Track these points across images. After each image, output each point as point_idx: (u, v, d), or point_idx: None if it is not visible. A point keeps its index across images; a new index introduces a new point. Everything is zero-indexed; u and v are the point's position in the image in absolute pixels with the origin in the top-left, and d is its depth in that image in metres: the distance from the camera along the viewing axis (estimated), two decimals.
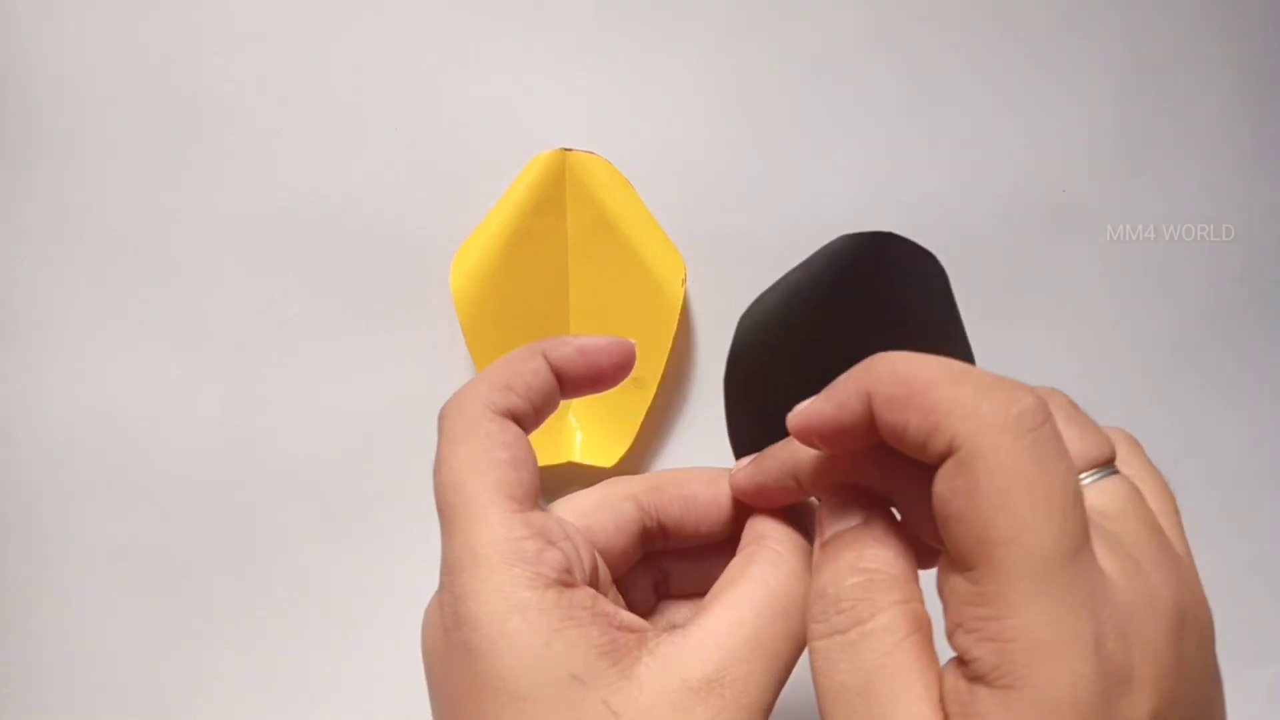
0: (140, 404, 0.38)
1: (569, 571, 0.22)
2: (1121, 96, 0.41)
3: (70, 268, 0.38)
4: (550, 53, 0.39)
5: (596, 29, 0.39)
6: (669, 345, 0.36)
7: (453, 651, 0.21)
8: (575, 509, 0.25)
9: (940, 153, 0.40)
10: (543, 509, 0.24)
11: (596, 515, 0.25)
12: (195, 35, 0.38)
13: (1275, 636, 0.42)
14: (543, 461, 0.33)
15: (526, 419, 0.25)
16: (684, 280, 0.36)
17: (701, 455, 0.39)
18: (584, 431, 0.38)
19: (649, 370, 0.37)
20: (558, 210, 0.37)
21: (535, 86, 0.39)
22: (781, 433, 0.24)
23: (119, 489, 0.38)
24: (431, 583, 0.36)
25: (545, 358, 0.25)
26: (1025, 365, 0.41)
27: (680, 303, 0.36)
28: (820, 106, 0.40)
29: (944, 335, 0.26)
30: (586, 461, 0.37)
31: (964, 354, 0.26)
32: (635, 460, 0.38)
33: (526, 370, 0.25)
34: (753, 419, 0.27)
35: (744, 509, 0.26)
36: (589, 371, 0.26)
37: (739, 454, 0.27)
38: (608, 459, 0.37)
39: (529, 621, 0.21)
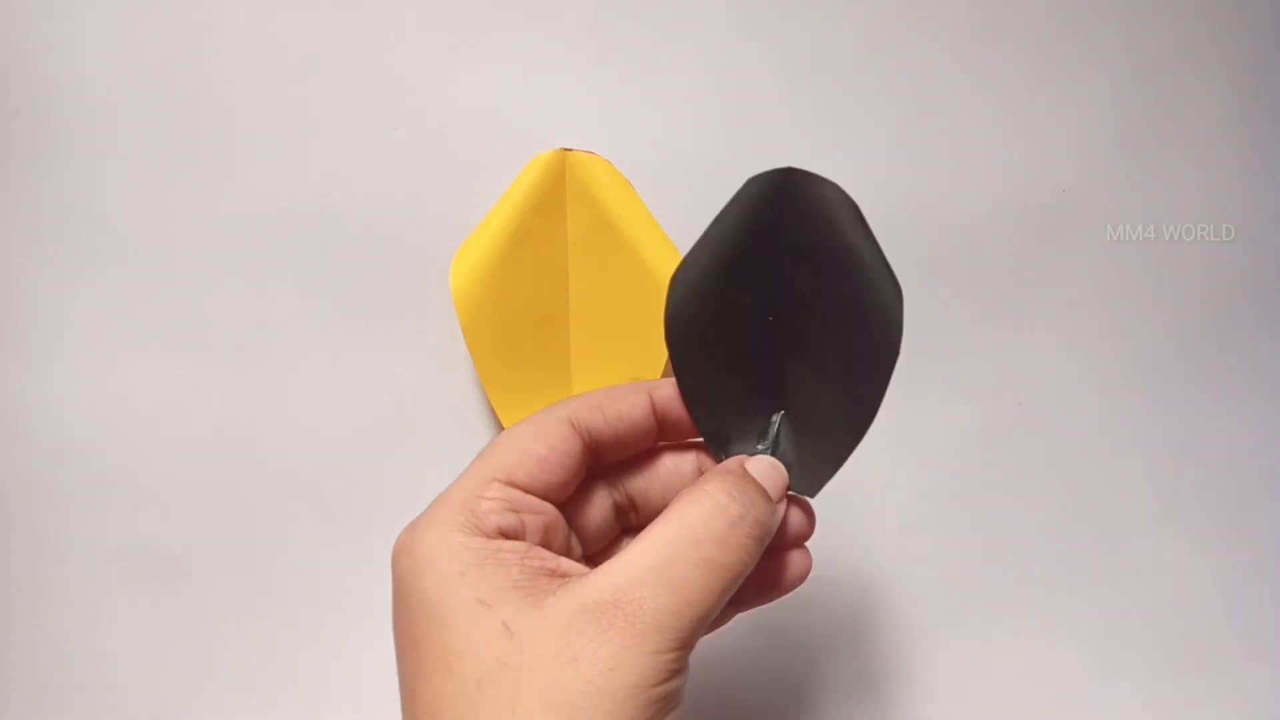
0: (140, 404, 0.38)
1: (516, 530, 0.25)
2: (1121, 97, 0.41)
3: (70, 268, 0.38)
4: (550, 52, 0.39)
5: (596, 29, 0.39)
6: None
7: (395, 578, 0.24)
8: (519, 445, 0.26)
9: (940, 153, 0.40)
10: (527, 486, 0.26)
11: (538, 446, 0.26)
12: (195, 35, 0.38)
13: (1275, 636, 0.42)
14: None
15: (602, 440, 0.27)
16: None
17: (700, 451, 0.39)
18: None
19: (649, 370, 0.37)
20: (558, 210, 0.37)
21: (535, 86, 0.39)
22: (729, 380, 0.29)
23: (119, 489, 0.38)
24: None
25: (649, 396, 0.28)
26: (1025, 365, 0.41)
27: None
28: (820, 106, 0.40)
29: (860, 262, 0.28)
30: None
31: (884, 270, 0.28)
32: None
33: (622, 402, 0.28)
34: (703, 369, 0.29)
35: (667, 421, 0.28)
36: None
37: (691, 406, 0.29)
38: None
39: (452, 554, 0.23)
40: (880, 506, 0.40)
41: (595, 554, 0.29)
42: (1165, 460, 0.42)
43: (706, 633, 0.28)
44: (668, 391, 0.28)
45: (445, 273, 0.37)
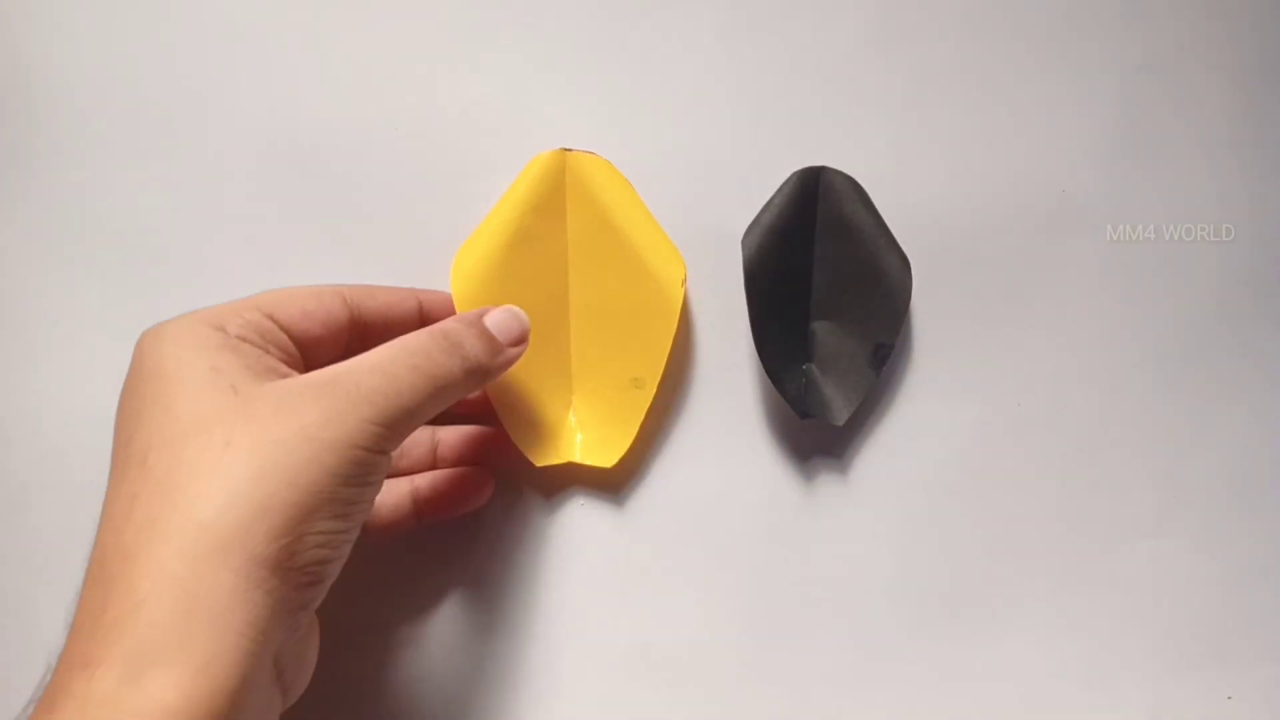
0: None
1: (257, 336, 0.27)
2: (1122, 96, 0.41)
3: (70, 267, 0.38)
4: (550, 52, 0.39)
5: (597, 27, 0.39)
6: (669, 345, 0.36)
7: (134, 356, 0.26)
8: (289, 294, 0.30)
9: (940, 152, 0.40)
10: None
11: (306, 301, 0.30)
12: (195, 36, 0.38)
13: (1275, 636, 0.42)
14: (543, 461, 0.37)
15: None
16: (684, 281, 0.36)
17: (703, 452, 0.39)
18: (584, 431, 0.37)
19: (649, 370, 0.37)
20: (558, 211, 0.37)
21: (535, 86, 0.39)
22: (788, 332, 0.38)
23: None
24: (431, 582, 0.36)
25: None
26: (1026, 365, 0.41)
27: (680, 303, 0.36)
28: (820, 106, 0.40)
29: (872, 235, 0.38)
30: (587, 461, 0.37)
31: (891, 242, 0.38)
32: (635, 460, 0.38)
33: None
34: (769, 321, 0.37)
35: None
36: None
37: (762, 353, 0.37)
38: (608, 459, 0.37)
39: (195, 337, 0.26)
40: (879, 506, 0.40)
41: None
42: (1165, 460, 0.42)
43: (394, 534, 0.35)
44: (438, 300, 0.34)
45: (444, 273, 0.37)
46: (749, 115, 0.40)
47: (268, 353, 0.27)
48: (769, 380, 0.37)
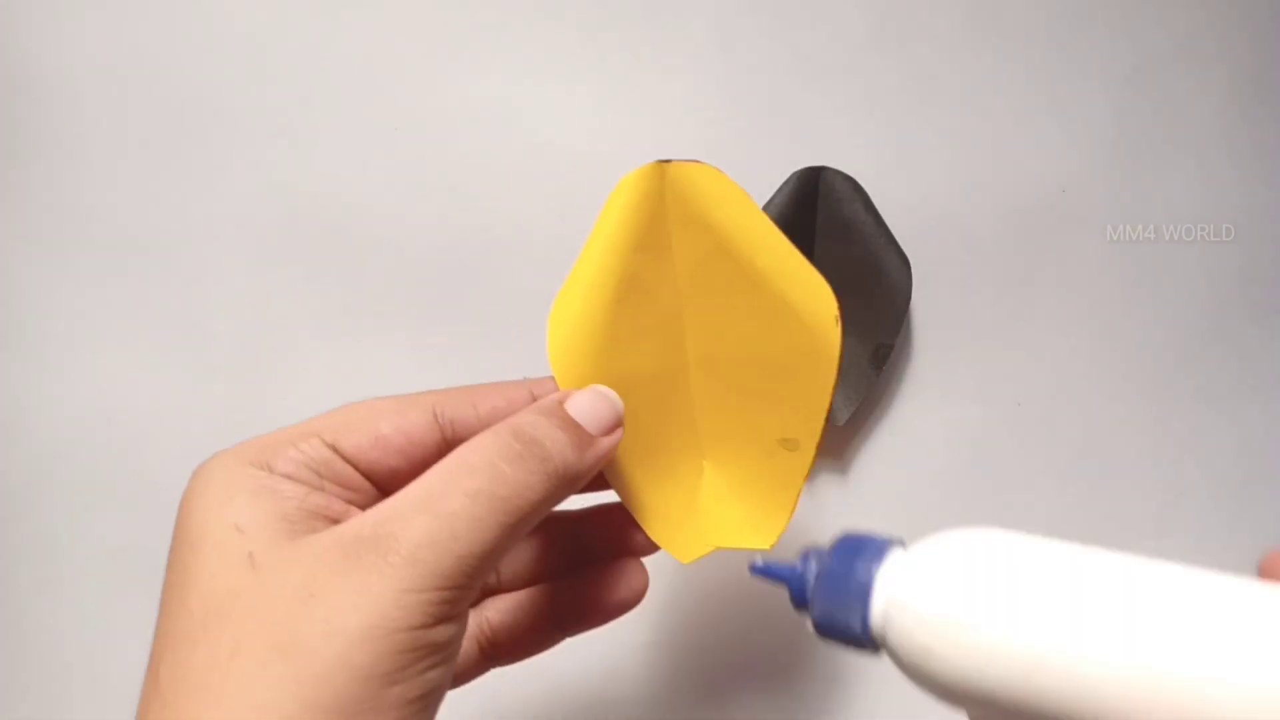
0: (140, 404, 0.38)
1: (310, 473, 0.22)
2: (1121, 97, 0.41)
3: (71, 268, 0.38)
4: (551, 51, 0.39)
5: (598, 26, 0.39)
6: (828, 397, 0.28)
7: (180, 507, 0.23)
8: (364, 415, 0.24)
9: (940, 153, 0.40)
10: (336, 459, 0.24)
11: (382, 423, 0.24)
12: (197, 36, 0.38)
13: None
14: (690, 557, 0.28)
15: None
16: (838, 318, 0.27)
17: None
18: (727, 507, 0.30)
19: (804, 428, 0.28)
20: (662, 242, 0.28)
21: (534, 85, 0.39)
22: None
23: (119, 489, 0.38)
24: None
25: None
26: (1026, 365, 0.41)
27: (839, 345, 0.27)
28: (820, 108, 0.40)
29: (876, 239, 0.38)
30: (739, 545, 0.29)
31: (890, 242, 0.38)
32: (790, 536, 0.30)
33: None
34: None
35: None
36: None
37: None
38: (764, 538, 0.29)
39: (229, 480, 0.22)
40: (880, 506, 0.40)
41: None
42: (1165, 460, 0.42)
43: (525, 654, 0.27)
44: (550, 389, 0.26)
45: (443, 273, 0.37)
46: (749, 115, 0.40)
47: (320, 490, 0.22)
48: None
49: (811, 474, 0.28)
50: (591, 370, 0.26)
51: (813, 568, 0.22)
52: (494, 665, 0.27)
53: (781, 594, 0.23)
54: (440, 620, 0.20)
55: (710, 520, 0.29)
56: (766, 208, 0.37)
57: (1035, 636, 0.17)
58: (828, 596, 0.21)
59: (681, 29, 0.39)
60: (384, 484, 0.24)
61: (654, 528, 0.27)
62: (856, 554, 0.21)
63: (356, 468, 0.23)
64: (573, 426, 0.24)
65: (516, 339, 0.39)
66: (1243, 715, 0.14)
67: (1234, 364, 0.42)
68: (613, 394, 0.26)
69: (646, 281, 0.28)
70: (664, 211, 0.28)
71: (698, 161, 0.28)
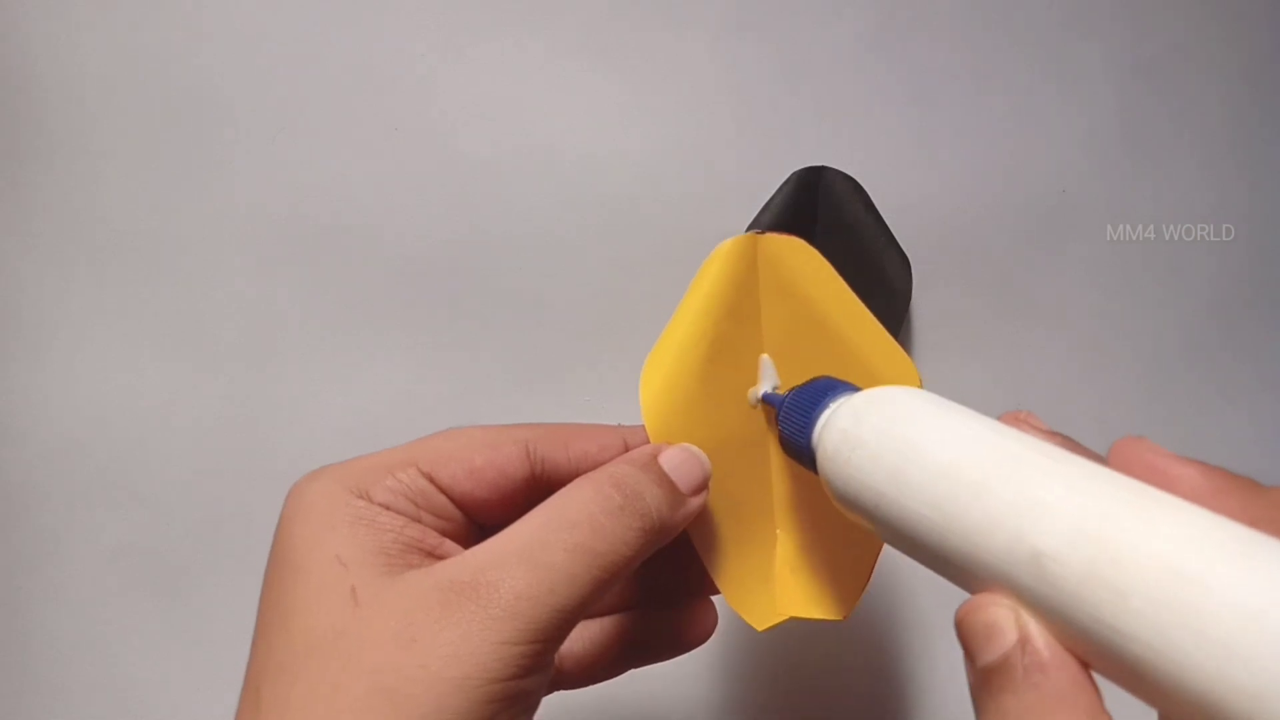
0: (140, 404, 0.38)
1: (407, 502, 0.23)
2: (1121, 96, 0.41)
3: (71, 268, 0.38)
4: (551, 51, 0.39)
5: (597, 28, 0.39)
6: None
7: (279, 519, 0.23)
8: (459, 445, 0.25)
9: (941, 153, 0.40)
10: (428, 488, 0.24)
11: (476, 455, 0.24)
12: (197, 36, 0.38)
13: None
14: (765, 625, 0.29)
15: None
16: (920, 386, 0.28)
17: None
18: (803, 578, 0.30)
19: None
20: (751, 311, 0.29)
21: (534, 85, 0.39)
22: None
23: (119, 489, 0.38)
24: None
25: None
26: (1026, 365, 0.41)
27: None
28: (820, 106, 0.40)
29: (872, 234, 0.38)
30: (815, 616, 0.29)
31: (891, 241, 0.38)
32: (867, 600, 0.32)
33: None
34: None
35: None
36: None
37: None
38: (838, 610, 0.29)
39: (331, 507, 0.22)
40: None
41: None
42: None
43: (590, 681, 0.28)
44: (642, 439, 0.27)
45: (443, 273, 0.37)
46: (749, 115, 0.40)
47: (417, 521, 0.23)
48: None
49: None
50: (681, 428, 0.27)
51: (788, 399, 0.26)
52: (558, 689, 0.28)
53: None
54: (531, 671, 0.20)
55: (784, 588, 0.30)
56: (767, 207, 0.37)
57: (899, 476, 0.20)
58: (789, 418, 0.25)
59: (682, 29, 0.39)
60: (474, 513, 0.25)
61: (730, 591, 0.28)
62: (818, 390, 0.25)
63: (450, 497, 0.24)
64: (668, 482, 0.24)
65: (516, 339, 0.39)
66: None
67: (1234, 364, 0.42)
68: (702, 454, 0.26)
69: (735, 347, 0.29)
70: (755, 280, 0.29)
71: (790, 235, 0.29)
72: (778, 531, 0.30)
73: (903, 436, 0.21)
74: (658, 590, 0.29)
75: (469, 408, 0.39)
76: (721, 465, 0.27)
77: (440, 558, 0.22)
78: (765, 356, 0.29)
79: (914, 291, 0.38)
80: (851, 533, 0.28)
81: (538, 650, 0.20)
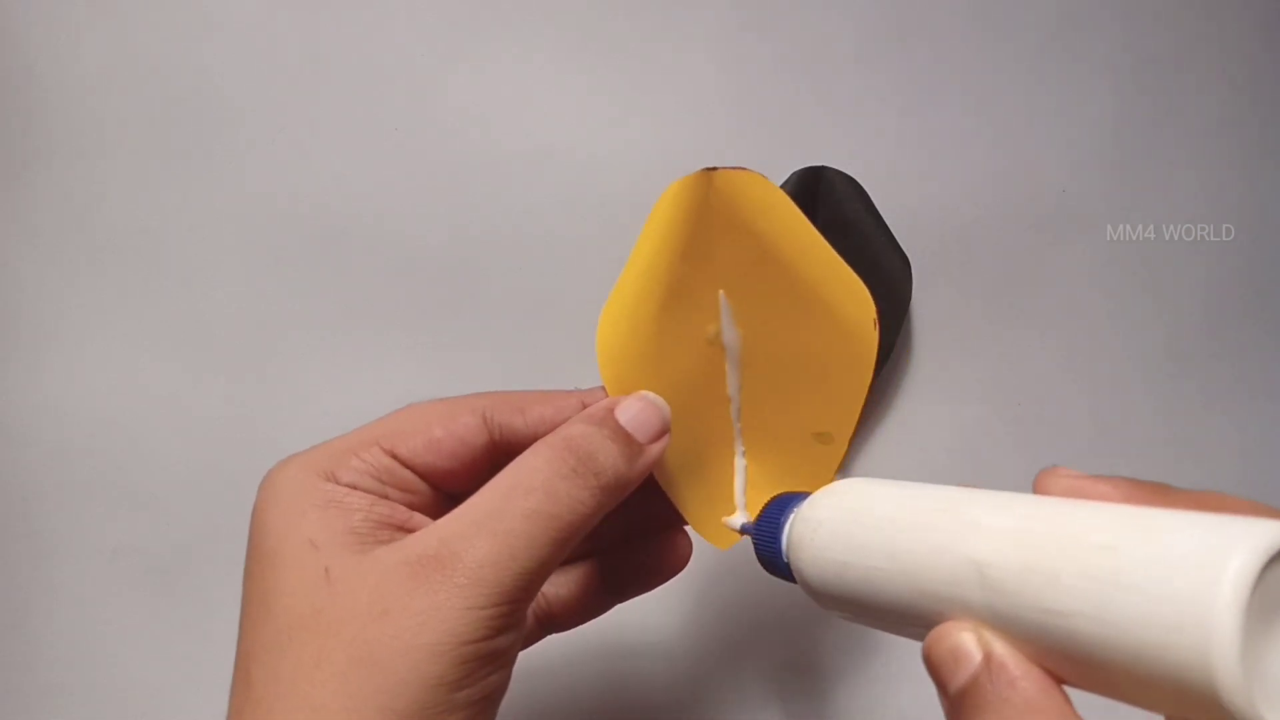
0: (141, 404, 0.38)
1: (374, 480, 0.24)
2: (1121, 97, 0.41)
3: (72, 268, 0.38)
4: (551, 52, 0.39)
5: (596, 28, 0.39)
6: (862, 396, 0.29)
7: (253, 508, 0.24)
8: (417, 419, 0.26)
9: (941, 153, 0.40)
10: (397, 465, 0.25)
11: (435, 427, 0.25)
12: (197, 37, 0.38)
13: None
14: (727, 544, 0.30)
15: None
16: (875, 321, 0.28)
17: None
18: (765, 498, 0.31)
19: (838, 424, 0.30)
20: (705, 249, 0.29)
21: (533, 86, 0.39)
22: None
23: (119, 489, 0.38)
24: None
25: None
26: (1026, 365, 0.41)
27: (875, 346, 0.28)
28: (820, 108, 0.40)
29: (872, 234, 0.38)
30: None
31: (891, 241, 0.38)
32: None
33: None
34: None
35: None
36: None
37: None
38: None
39: (301, 492, 0.23)
40: None
41: None
42: (1164, 459, 0.42)
43: (580, 621, 0.29)
44: (599, 399, 0.27)
45: (443, 272, 0.37)
46: (749, 115, 0.40)
47: (385, 498, 0.24)
48: None
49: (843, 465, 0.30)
50: (639, 377, 0.27)
51: (755, 524, 0.28)
52: (550, 632, 0.29)
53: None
54: (502, 631, 0.22)
55: (744, 510, 0.32)
56: None
57: (858, 555, 0.22)
58: (761, 539, 0.27)
59: (682, 29, 0.39)
60: (439, 483, 0.25)
61: (694, 518, 0.29)
62: (776, 508, 0.26)
63: (414, 470, 0.25)
64: (623, 436, 0.25)
65: (516, 338, 0.39)
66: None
67: (1234, 363, 0.42)
68: (660, 400, 0.27)
69: (691, 288, 0.29)
70: (709, 219, 0.28)
71: (743, 169, 0.28)
72: (743, 457, 0.32)
73: (852, 506, 0.23)
74: (631, 527, 0.30)
75: None
76: (682, 402, 0.28)
77: (409, 531, 0.23)
78: (722, 294, 0.29)
79: (914, 291, 0.38)
80: (812, 454, 0.30)
81: (505, 611, 0.21)
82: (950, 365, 0.40)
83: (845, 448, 0.30)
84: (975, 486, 0.21)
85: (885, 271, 0.38)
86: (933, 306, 0.40)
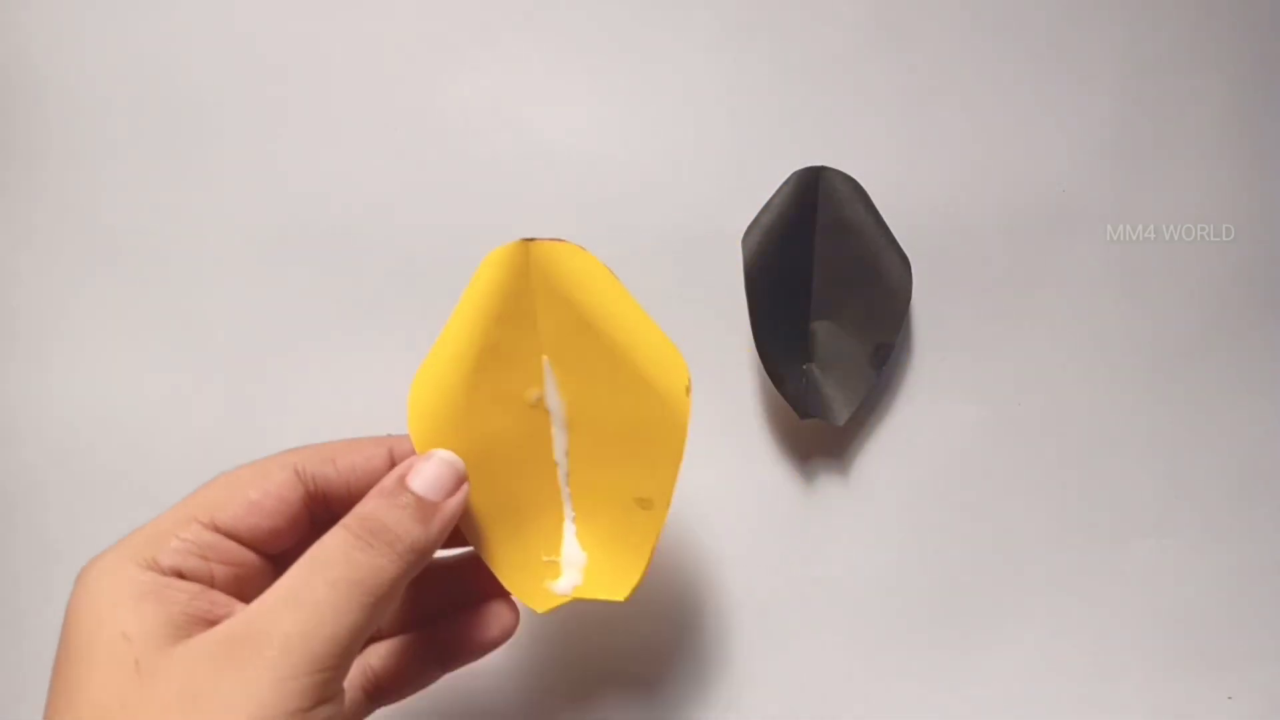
0: (141, 404, 0.38)
1: (200, 575, 0.24)
2: (1121, 96, 0.41)
3: (73, 268, 0.38)
4: (551, 52, 0.39)
5: (598, 26, 0.39)
6: (679, 463, 0.30)
7: (66, 614, 0.23)
8: (230, 486, 0.26)
9: (940, 153, 0.40)
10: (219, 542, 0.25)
11: (250, 490, 0.25)
12: (196, 36, 0.38)
13: (1275, 636, 0.42)
14: (545, 607, 0.31)
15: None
16: (688, 389, 0.29)
17: (704, 452, 0.39)
18: (591, 561, 0.32)
19: (657, 490, 0.30)
20: (525, 315, 0.30)
21: (535, 87, 0.39)
22: (788, 332, 0.38)
23: (119, 489, 0.38)
24: None
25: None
26: (1026, 365, 0.41)
27: (688, 415, 0.29)
28: (818, 108, 0.40)
29: (872, 235, 0.38)
30: (595, 596, 0.31)
31: (891, 242, 0.38)
32: (645, 589, 0.33)
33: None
34: (769, 321, 0.37)
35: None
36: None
37: (762, 353, 0.36)
38: (619, 590, 0.31)
39: (115, 586, 0.23)
40: (879, 506, 0.40)
41: None
42: (1165, 460, 0.42)
43: (409, 692, 0.29)
44: (407, 448, 0.28)
45: (443, 273, 0.37)
46: (749, 115, 0.40)
47: (211, 581, 0.24)
48: (769, 380, 0.37)
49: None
50: (448, 435, 0.29)
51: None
52: (379, 706, 0.29)
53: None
54: (319, 701, 0.22)
55: (570, 574, 0.32)
56: (767, 207, 0.37)
57: None
58: None
59: (682, 29, 0.39)
60: (264, 546, 0.26)
61: (508, 578, 0.30)
62: None
63: (238, 538, 0.25)
64: (415, 503, 0.25)
65: None
66: None
67: (1234, 363, 0.42)
68: (452, 457, 0.27)
69: (508, 351, 0.30)
70: (529, 286, 0.30)
71: (561, 240, 0.29)
72: (572, 521, 0.32)
73: None
74: (455, 598, 0.30)
75: None
76: (496, 463, 0.29)
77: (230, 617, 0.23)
78: (545, 360, 0.30)
79: (914, 291, 0.38)
80: (634, 520, 0.30)
81: (320, 681, 0.21)
82: (950, 365, 0.40)
83: (665, 514, 0.30)
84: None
85: (885, 271, 0.38)
86: (933, 306, 0.40)
